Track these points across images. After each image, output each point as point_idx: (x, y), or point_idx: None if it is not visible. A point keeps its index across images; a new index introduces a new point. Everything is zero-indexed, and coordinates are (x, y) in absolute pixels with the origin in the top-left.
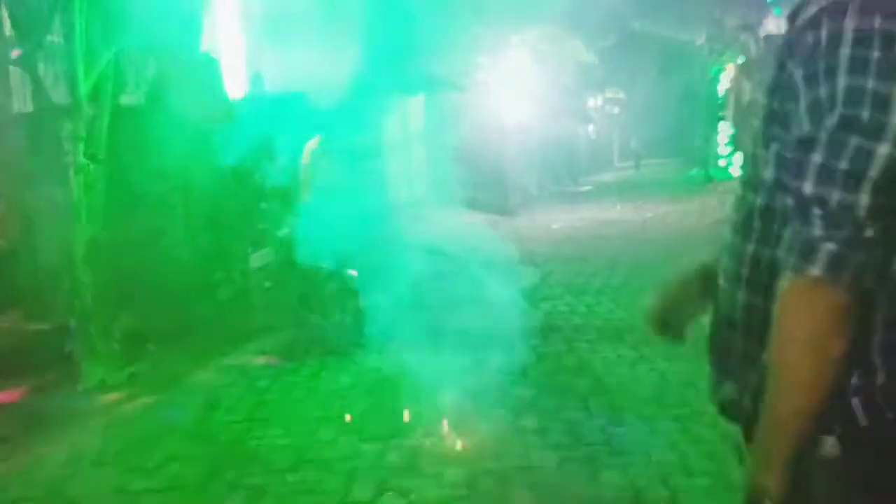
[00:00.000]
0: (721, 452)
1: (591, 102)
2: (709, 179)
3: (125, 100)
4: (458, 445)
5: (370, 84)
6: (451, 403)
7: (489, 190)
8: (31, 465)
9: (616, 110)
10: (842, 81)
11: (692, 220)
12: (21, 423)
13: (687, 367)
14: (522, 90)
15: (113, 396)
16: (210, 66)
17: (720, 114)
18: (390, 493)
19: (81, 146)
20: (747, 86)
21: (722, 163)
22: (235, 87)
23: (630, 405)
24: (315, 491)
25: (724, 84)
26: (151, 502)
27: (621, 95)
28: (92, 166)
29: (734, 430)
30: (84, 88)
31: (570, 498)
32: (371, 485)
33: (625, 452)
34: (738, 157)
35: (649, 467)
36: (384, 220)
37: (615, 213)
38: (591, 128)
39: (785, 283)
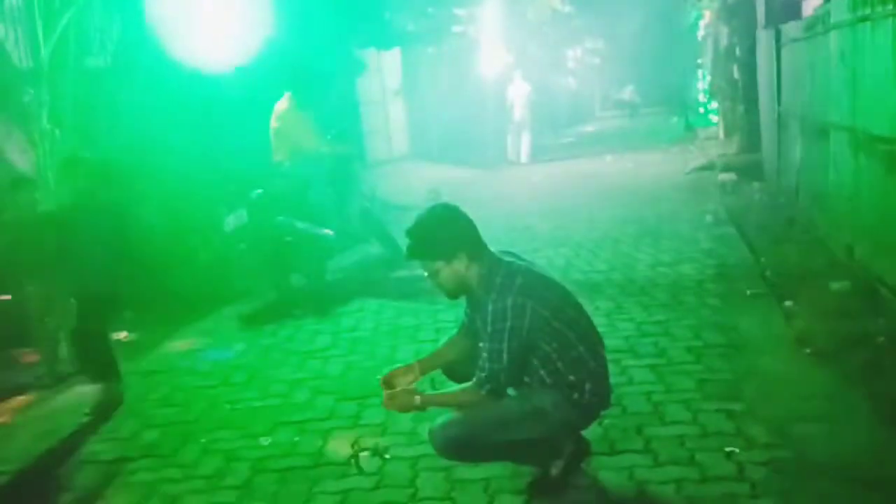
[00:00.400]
0: (695, 401)
1: (570, 53)
2: (689, 128)
3: (90, 62)
4: None
5: (342, 39)
6: None
7: (468, 144)
8: (4, 435)
9: (596, 60)
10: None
11: (670, 168)
12: None
13: (663, 316)
14: (499, 42)
15: None
16: (175, 28)
17: (698, 61)
18: (366, 452)
19: (45, 111)
20: (724, 31)
21: (701, 110)
22: (204, 46)
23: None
24: (290, 453)
25: (702, 30)
26: (125, 470)
27: (601, 45)
28: (57, 132)
29: None
30: (45, 51)
31: None
32: (347, 445)
33: None
34: (716, 105)
35: (624, 418)
36: (359, 179)
37: (596, 165)
38: (570, 79)
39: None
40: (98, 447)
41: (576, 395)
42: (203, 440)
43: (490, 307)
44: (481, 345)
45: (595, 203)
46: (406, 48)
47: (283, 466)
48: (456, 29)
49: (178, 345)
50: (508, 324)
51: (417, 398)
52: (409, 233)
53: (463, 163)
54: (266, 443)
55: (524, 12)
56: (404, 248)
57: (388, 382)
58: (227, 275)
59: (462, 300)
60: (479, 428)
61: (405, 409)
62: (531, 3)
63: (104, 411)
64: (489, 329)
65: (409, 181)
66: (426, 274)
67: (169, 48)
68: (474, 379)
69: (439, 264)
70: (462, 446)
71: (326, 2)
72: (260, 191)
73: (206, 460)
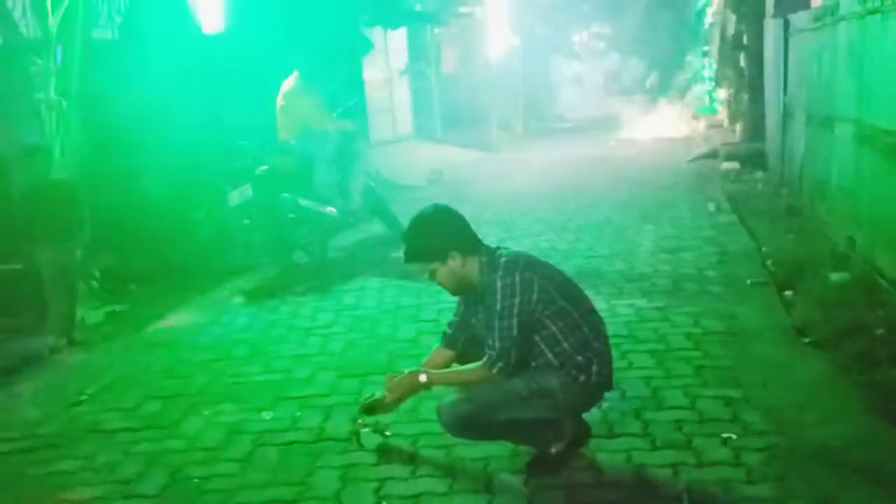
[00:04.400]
0: (693, 387)
1: (576, 37)
2: (694, 116)
3: (98, 34)
4: None
5: (350, 18)
6: (427, 340)
7: (472, 126)
8: (6, 405)
9: (602, 45)
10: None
11: (673, 156)
12: None
13: (663, 303)
14: (506, 24)
15: (91, 334)
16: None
17: (704, 48)
18: (367, 429)
19: (53, 82)
20: (732, 19)
21: (706, 99)
22: (209, 21)
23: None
24: (292, 428)
25: (709, 17)
26: (128, 441)
27: (607, 30)
28: (65, 103)
29: None
30: (53, 21)
31: None
32: (348, 421)
33: None
34: (721, 94)
35: (623, 402)
36: (364, 158)
37: (599, 150)
38: (576, 64)
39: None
40: (102, 416)
41: (583, 378)
42: (205, 413)
43: (498, 284)
44: (487, 329)
45: (598, 187)
46: (413, 28)
47: (284, 441)
48: (462, 10)
49: (181, 318)
50: (517, 299)
51: (423, 377)
52: (404, 239)
53: (467, 144)
54: (268, 417)
55: None
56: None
57: (369, 410)
58: (230, 250)
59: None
60: (487, 407)
61: (411, 390)
62: None
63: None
64: (497, 307)
65: (413, 161)
66: (426, 276)
67: (177, 22)
68: (484, 358)
69: (435, 265)
70: (470, 424)
71: None
72: (265, 167)
73: (209, 432)
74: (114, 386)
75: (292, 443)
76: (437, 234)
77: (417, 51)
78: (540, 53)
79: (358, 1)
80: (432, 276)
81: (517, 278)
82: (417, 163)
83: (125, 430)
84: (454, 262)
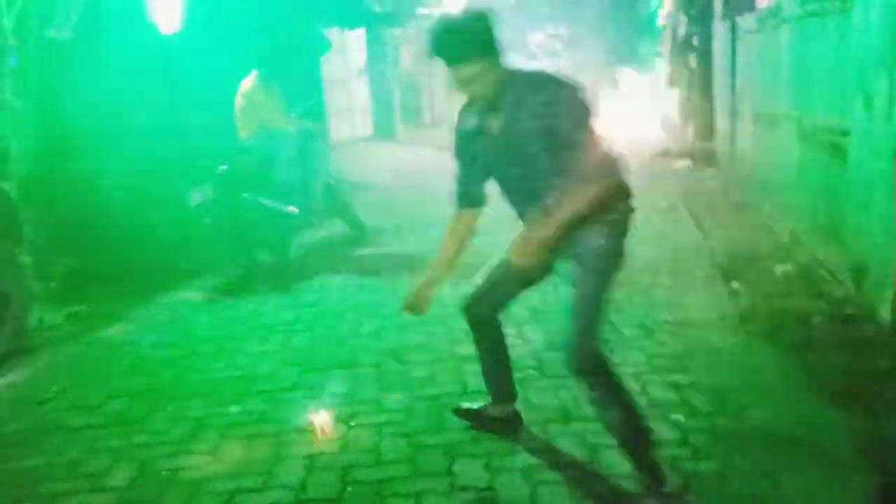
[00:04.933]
0: (644, 374)
1: (531, 38)
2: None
3: (53, 33)
4: (397, 374)
5: (306, 18)
6: (390, 336)
7: (431, 126)
8: None
9: (558, 46)
10: None
11: (629, 155)
12: None
13: (617, 295)
14: None
15: (52, 335)
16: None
17: (657, 49)
18: (330, 420)
19: (8, 83)
20: (683, 20)
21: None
22: (167, 20)
23: None
24: (258, 421)
25: (661, 19)
26: (93, 437)
27: (562, 31)
28: (20, 104)
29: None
30: (8, 21)
31: None
32: (312, 413)
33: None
34: (674, 94)
35: (578, 388)
36: (324, 157)
37: None
38: (534, 64)
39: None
40: (66, 414)
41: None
42: (171, 408)
43: (560, 93)
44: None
45: None
46: (371, 29)
47: (250, 433)
48: (420, 11)
49: (143, 317)
50: (588, 114)
51: (543, 230)
52: (439, 32)
53: (426, 143)
54: (234, 411)
55: None
56: (435, 48)
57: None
58: (191, 249)
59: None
60: (599, 314)
61: (537, 254)
62: None
63: None
64: (574, 116)
65: (373, 161)
66: (456, 79)
67: (134, 21)
68: (574, 179)
69: (471, 65)
70: (601, 356)
71: None
72: (225, 167)
73: (175, 427)
74: (77, 385)
75: (258, 435)
76: (482, 31)
77: (376, 51)
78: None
79: (316, 1)
80: (469, 81)
81: (580, 92)
82: (377, 162)
83: (90, 427)
84: (489, 64)
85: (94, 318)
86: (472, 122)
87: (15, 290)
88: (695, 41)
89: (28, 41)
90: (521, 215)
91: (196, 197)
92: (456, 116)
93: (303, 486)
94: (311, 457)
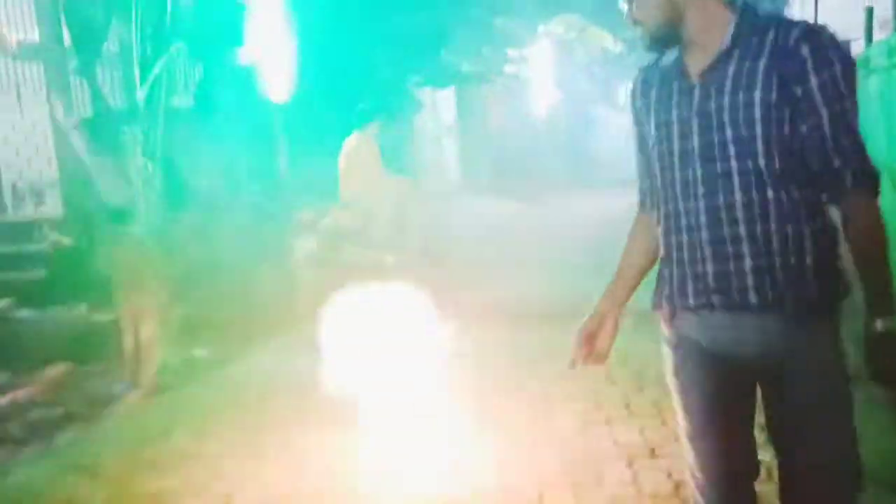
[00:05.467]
0: None
1: (621, 91)
2: None
3: (176, 102)
4: None
5: (401, 79)
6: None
7: (520, 178)
8: (101, 437)
9: None
10: None
11: None
12: (87, 402)
13: None
14: (551, 80)
15: (172, 377)
16: (250, 71)
17: None
18: None
19: (139, 147)
20: None
21: None
22: (278, 91)
23: None
24: None
25: None
26: (216, 465)
27: None
28: (150, 166)
29: None
30: (141, 93)
31: None
32: None
33: None
34: None
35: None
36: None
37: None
38: (623, 117)
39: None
40: (192, 441)
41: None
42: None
43: (827, 54)
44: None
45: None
46: (460, 87)
47: None
48: (508, 69)
49: (257, 358)
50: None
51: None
52: None
53: (516, 197)
54: None
55: (574, 50)
56: None
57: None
58: (296, 299)
59: None
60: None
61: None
62: (581, 42)
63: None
64: (840, 87)
65: (462, 215)
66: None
67: (246, 91)
68: (844, 179)
69: None
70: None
71: (388, 45)
72: (327, 221)
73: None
74: (198, 417)
75: None
76: None
77: (465, 107)
78: (584, 107)
79: (408, 62)
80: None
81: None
82: (467, 217)
83: (212, 455)
84: None
85: (209, 361)
86: (659, 83)
87: (149, 334)
88: None
89: (156, 109)
90: (684, 247)
91: (299, 249)
92: (633, 80)
93: None
94: None
